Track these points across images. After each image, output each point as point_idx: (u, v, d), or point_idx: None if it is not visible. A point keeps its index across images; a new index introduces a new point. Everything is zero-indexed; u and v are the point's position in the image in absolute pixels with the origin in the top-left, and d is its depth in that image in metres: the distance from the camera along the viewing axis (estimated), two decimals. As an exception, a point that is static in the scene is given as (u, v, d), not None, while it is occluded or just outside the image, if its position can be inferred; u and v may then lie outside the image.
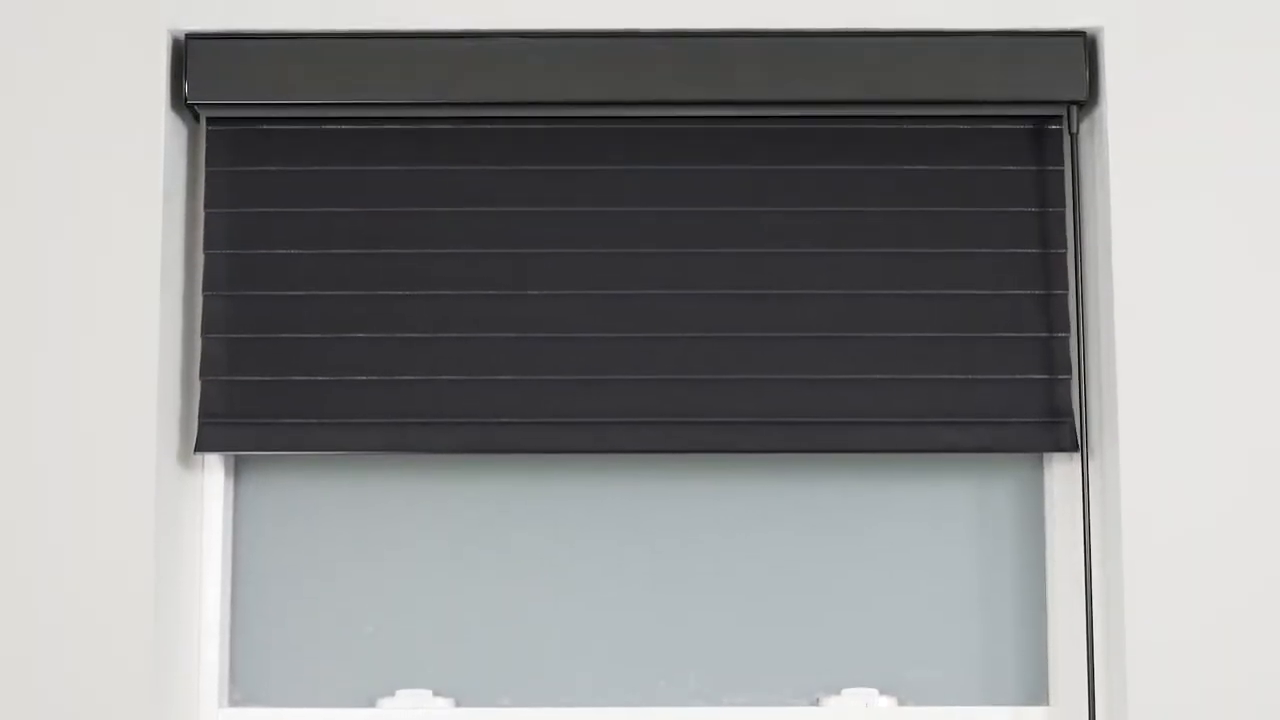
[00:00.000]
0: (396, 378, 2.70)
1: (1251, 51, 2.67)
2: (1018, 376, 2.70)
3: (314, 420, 2.70)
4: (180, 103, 2.72)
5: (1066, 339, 2.71)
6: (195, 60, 2.70)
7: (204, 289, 2.74)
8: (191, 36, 2.70)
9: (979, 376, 2.70)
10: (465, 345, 2.71)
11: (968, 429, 2.68)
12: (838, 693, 2.74)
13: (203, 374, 2.72)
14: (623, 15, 2.69)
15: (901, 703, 2.73)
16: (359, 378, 2.70)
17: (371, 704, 2.75)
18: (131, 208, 2.64)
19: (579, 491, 2.79)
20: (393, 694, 2.75)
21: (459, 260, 2.73)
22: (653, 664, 2.76)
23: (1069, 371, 2.70)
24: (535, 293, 2.72)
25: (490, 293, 2.72)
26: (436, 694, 2.75)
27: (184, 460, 2.73)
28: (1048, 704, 2.73)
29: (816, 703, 2.74)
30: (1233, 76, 2.66)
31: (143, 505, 2.59)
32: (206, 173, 2.76)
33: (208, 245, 2.75)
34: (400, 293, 2.72)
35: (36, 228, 2.65)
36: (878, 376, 2.69)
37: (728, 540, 2.78)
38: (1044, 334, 2.71)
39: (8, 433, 2.62)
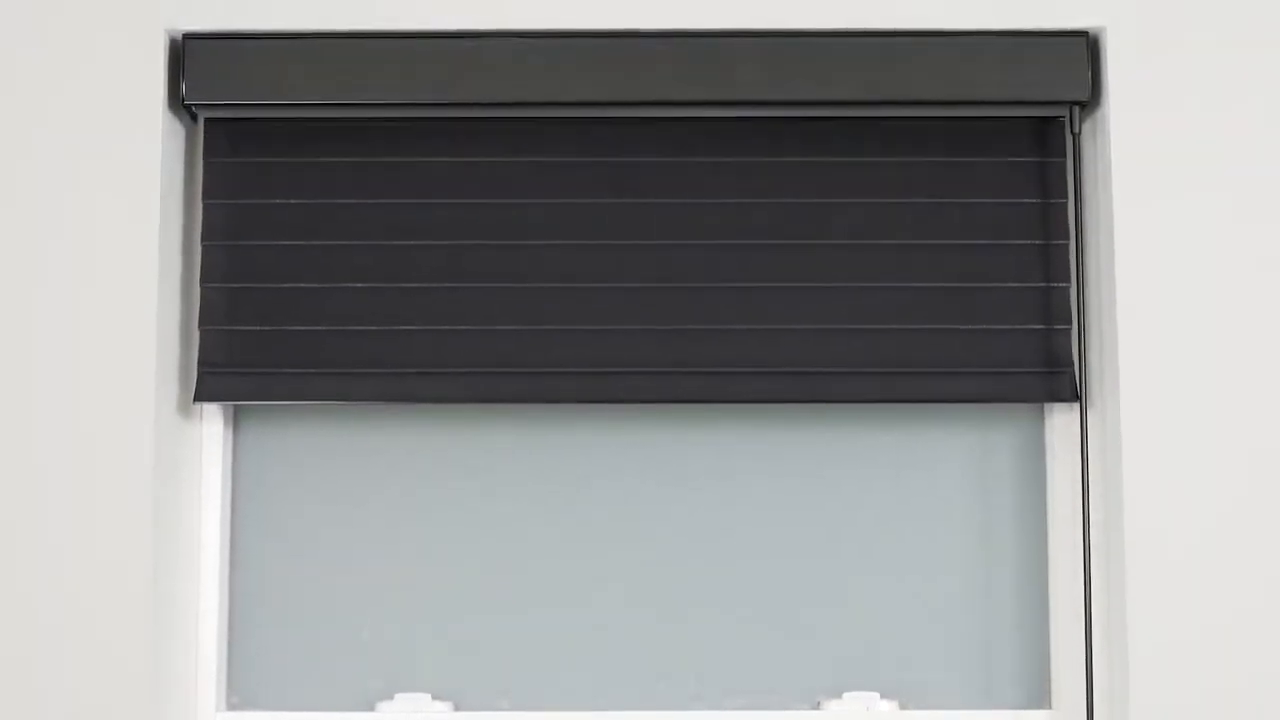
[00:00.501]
0: (396, 328, 2.70)
1: (1254, 51, 2.66)
2: (1017, 327, 2.70)
3: (313, 370, 2.70)
4: (178, 103, 2.72)
5: (1066, 289, 2.71)
6: (192, 60, 2.69)
7: (202, 238, 2.74)
8: (189, 36, 2.69)
9: (978, 327, 2.70)
10: (465, 295, 2.71)
11: (967, 379, 2.68)
12: (839, 696, 2.73)
13: (202, 323, 2.72)
14: (623, 15, 2.68)
15: (903, 707, 2.72)
16: (358, 328, 2.71)
17: (370, 708, 2.74)
18: (129, 203, 2.64)
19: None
20: (391, 698, 2.74)
21: (460, 209, 2.73)
22: (653, 667, 2.75)
23: (1068, 322, 2.70)
24: (536, 243, 2.72)
25: (490, 242, 2.72)
26: (435, 698, 2.74)
27: (183, 410, 2.73)
28: (1050, 708, 2.72)
29: (817, 706, 2.73)
30: (1235, 76, 2.66)
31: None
32: (205, 121, 2.76)
33: (206, 195, 2.75)
34: (400, 242, 2.72)
35: (35, 223, 2.64)
36: (877, 327, 2.70)
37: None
38: (1043, 284, 2.71)
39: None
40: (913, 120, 2.75)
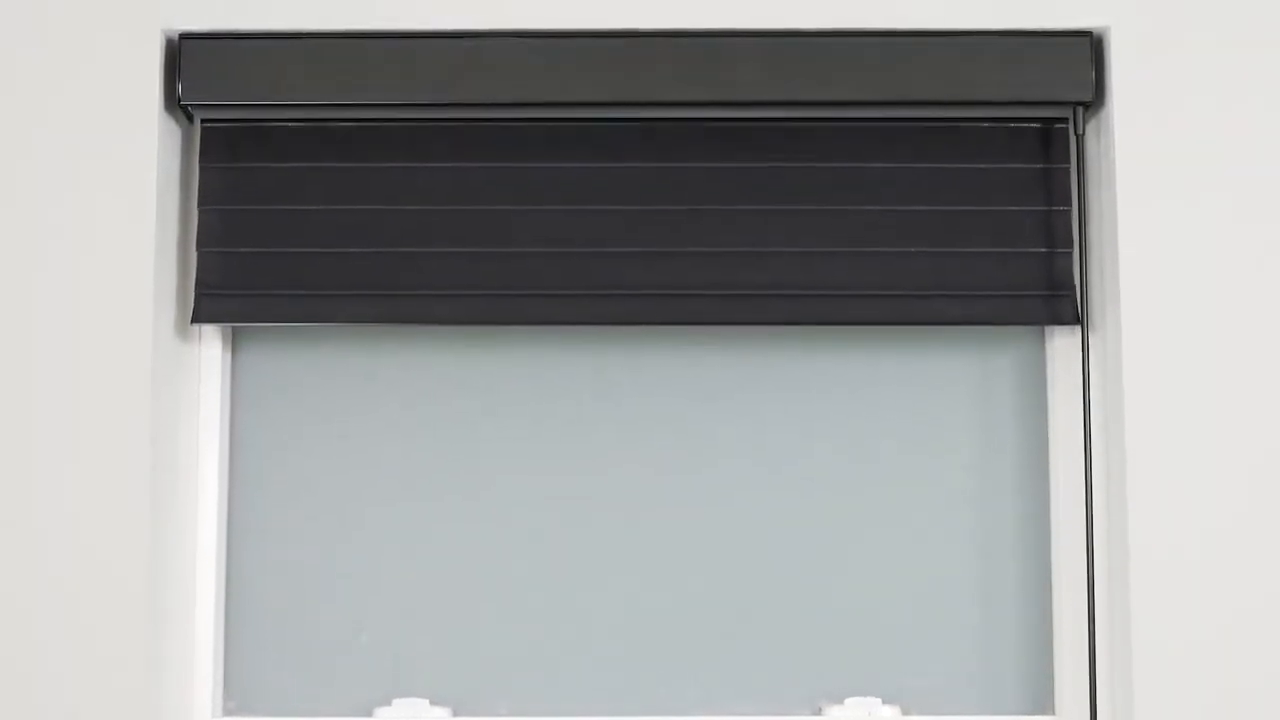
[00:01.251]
0: (396, 249, 2.70)
1: (1259, 51, 2.66)
2: (1019, 250, 2.69)
3: (312, 291, 2.70)
4: (174, 103, 2.70)
5: (1068, 212, 2.71)
6: (189, 61, 2.67)
7: (200, 160, 2.74)
8: (185, 36, 2.68)
9: (980, 250, 2.70)
10: (466, 216, 2.71)
11: (968, 302, 2.69)
12: (840, 702, 2.71)
13: (200, 245, 2.71)
14: (623, 15, 2.67)
15: (906, 712, 2.71)
16: (358, 249, 2.70)
17: (368, 714, 2.72)
18: (127, 202, 2.63)
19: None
20: (389, 703, 2.72)
21: (458, 132, 2.72)
22: (653, 671, 2.73)
23: (1070, 245, 2.70)
24: (538, 165, 2.72)
25: (488, 165, 2.72)
26: (434, 703, 2.72)
27: (181, 331, 2.73)
28: (1053, 713, 2.71)
29: (819, 712, 2.71)
30: (1240, 76, 2.65)
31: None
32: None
33: (205, 119, 2.75)
34: (400, 165, 2.72)
35: (31, 223, 2.64)
36: (877, 249, 2.70)
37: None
38: (1044, 207, 2.71)
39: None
40: (914, 121, 2.74)
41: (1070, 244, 2.70)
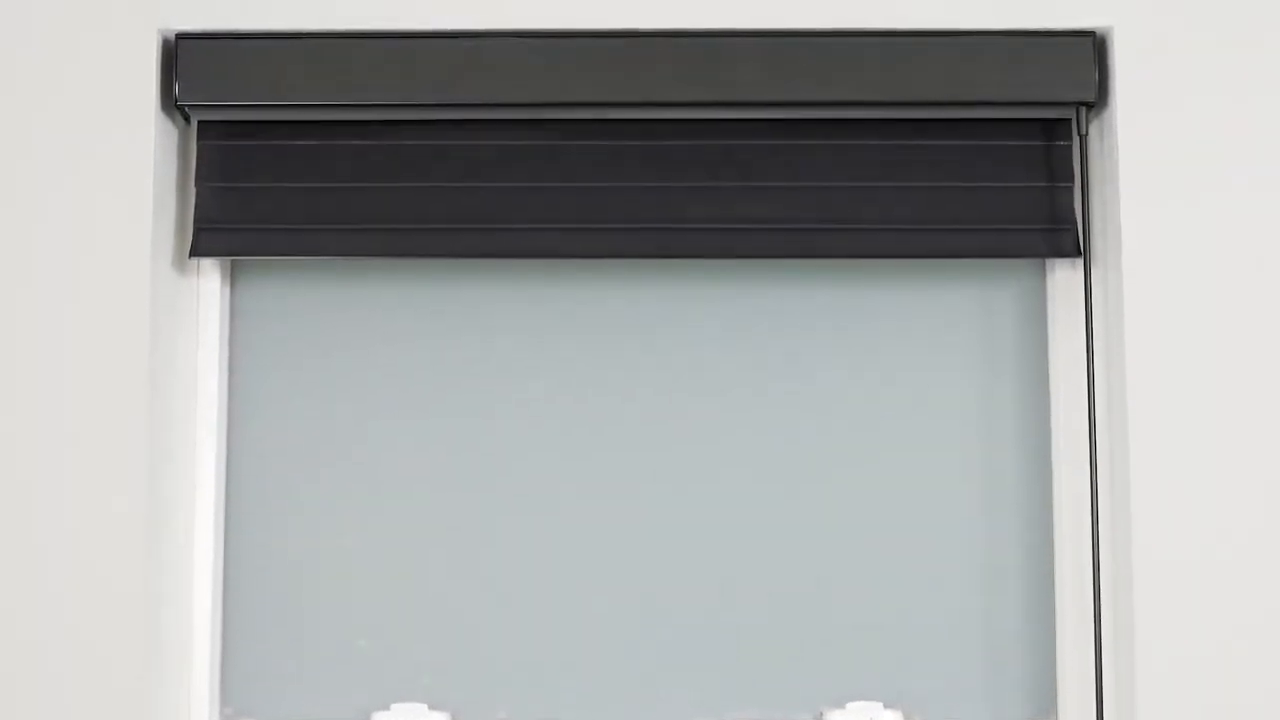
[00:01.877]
0: (394, 183, 2.70)
1: (1264, 51, 2.65)
2: (1019, 184, 2.70)
3: (310, 225, 2.70)
4: (171, 104, 2.69)
5: (1068, 147, 2.71)
6: (185, 61, 2.66)
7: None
8: (182, 36, 2.67)
9: (981, 184, 2.70)
10: (462, 150, 2.71)
11: (968, 235, 2.69)
12: (842, 706, 2.71)
13: (198, 179, 2.71)
14: (623, 15, 2.67)
15: (907, 716, 2.70)
16: (355, 183, 2.70)
17: (366, 718, 2.71)
18: (126, 203, 2.62)
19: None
20: (387, 708, 2.71)
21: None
22: (653, 675, 2.73)
23: (1071, 179, 2.70)
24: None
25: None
26: (432, 708, 2.71)
27: (179, 265, 2.73)
28: (1055, 717, 2.70)
29: (820, 717, 2.71)
30: (1245, 77, 2.64)
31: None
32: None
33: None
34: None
35: (27, 225, 2.63)
36: (877, 183, 2.70)
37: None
38: (1045, 142, 2.71)
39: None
40: (915, 123, 2.73)
41: (1071, 178, 2.70)
